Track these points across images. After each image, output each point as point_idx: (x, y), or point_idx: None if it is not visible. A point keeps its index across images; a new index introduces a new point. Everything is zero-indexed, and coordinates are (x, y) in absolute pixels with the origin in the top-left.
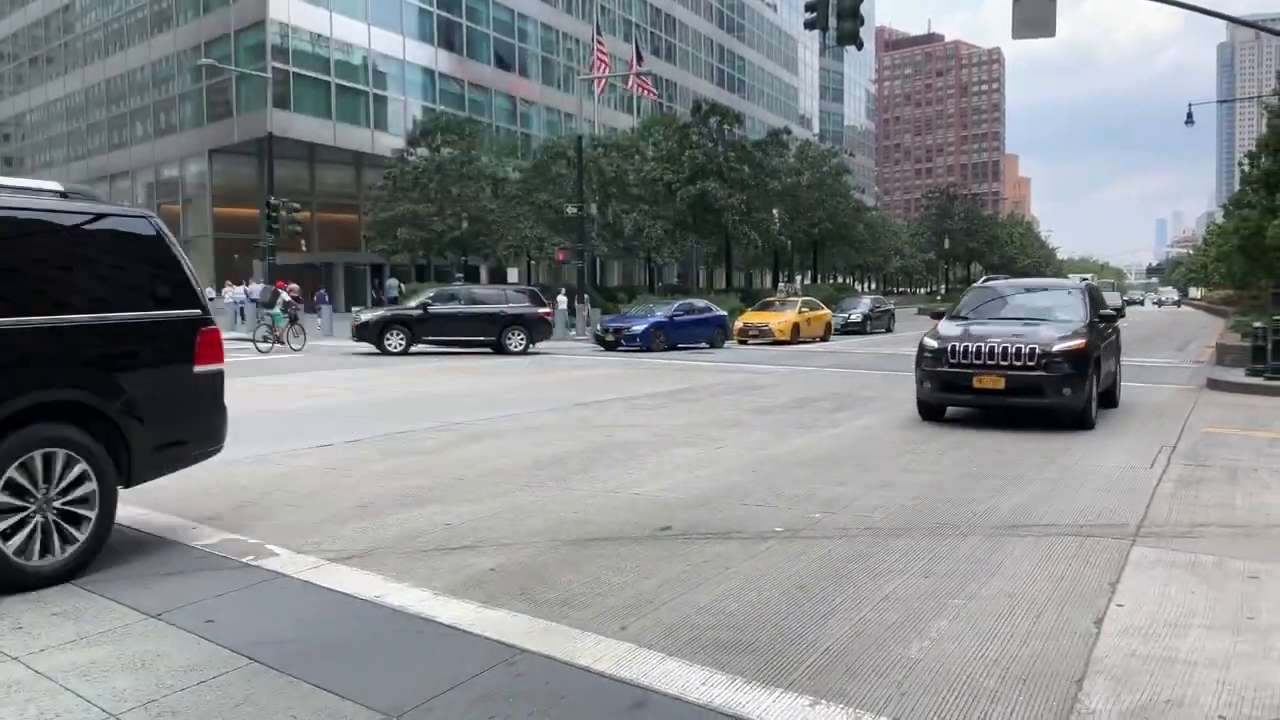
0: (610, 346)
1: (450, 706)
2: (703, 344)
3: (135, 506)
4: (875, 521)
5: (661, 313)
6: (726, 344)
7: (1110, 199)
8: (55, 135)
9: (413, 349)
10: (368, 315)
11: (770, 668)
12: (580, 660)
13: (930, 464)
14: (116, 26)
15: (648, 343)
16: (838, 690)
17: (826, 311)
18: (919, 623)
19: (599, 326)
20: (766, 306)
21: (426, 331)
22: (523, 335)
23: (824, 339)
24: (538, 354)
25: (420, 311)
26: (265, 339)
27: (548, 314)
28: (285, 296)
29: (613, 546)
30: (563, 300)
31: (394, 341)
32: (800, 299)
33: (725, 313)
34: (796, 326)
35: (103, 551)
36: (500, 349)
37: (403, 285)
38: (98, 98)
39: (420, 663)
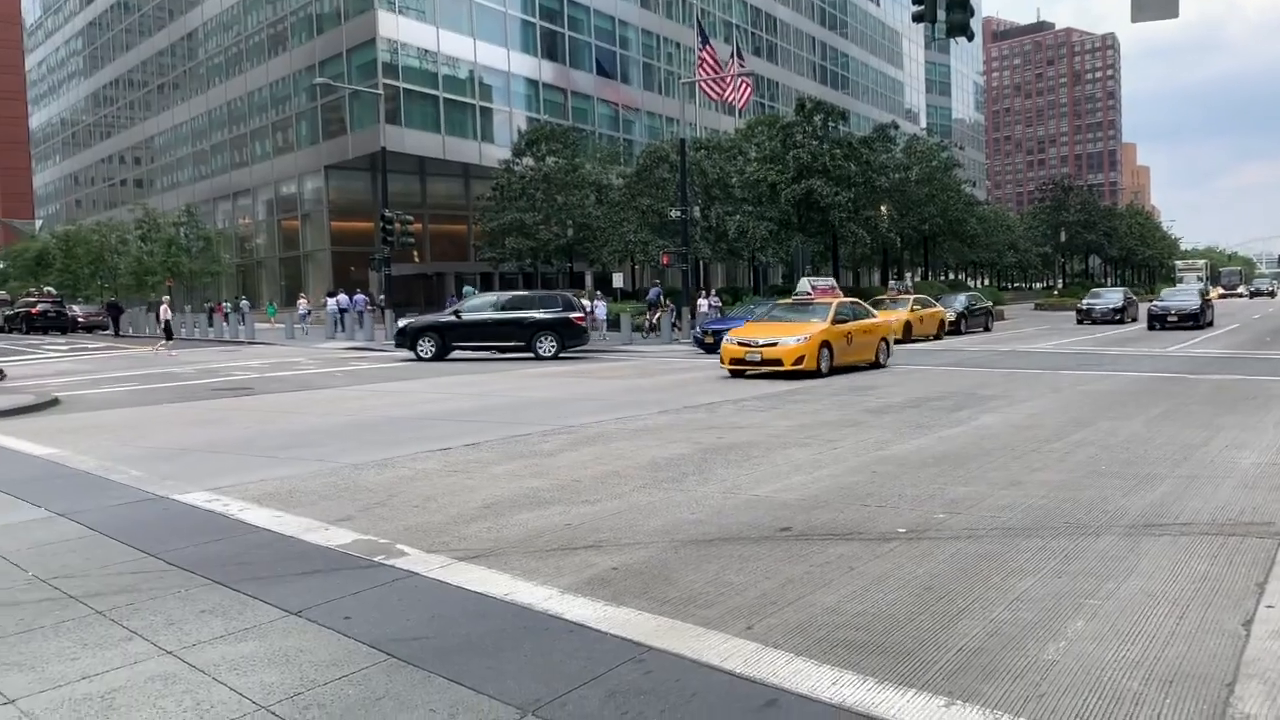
0: (711, 349)
1: (583, 702)
2: None
3: (270, 508)
4: (1003, 521)
5: (764, 313)
6: None
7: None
8: (181, 156)
9: (449, 355)
10: (404, 322)
11: (902, 668)
12: (708, 658)
13: (1057, 462)
14: (235, 51)
15: None
16: (973, 691)
17: (940, 309)
18: (1055, 623)
19: (699, 329)
20: (878, 305)
21: (458, 338)
22: (553, 340)
23: (937, 337)
24: (647, 356)
25: (453, 318)
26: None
27: (579, 319)
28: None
29: (733, 547)
30: (703, 303)
31: (424, 348)
32: (911, 296)
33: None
34: (909, 325)
35: (243, 550)
36: (533, 354)
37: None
38: (220, 119)
39: (551, 659)
